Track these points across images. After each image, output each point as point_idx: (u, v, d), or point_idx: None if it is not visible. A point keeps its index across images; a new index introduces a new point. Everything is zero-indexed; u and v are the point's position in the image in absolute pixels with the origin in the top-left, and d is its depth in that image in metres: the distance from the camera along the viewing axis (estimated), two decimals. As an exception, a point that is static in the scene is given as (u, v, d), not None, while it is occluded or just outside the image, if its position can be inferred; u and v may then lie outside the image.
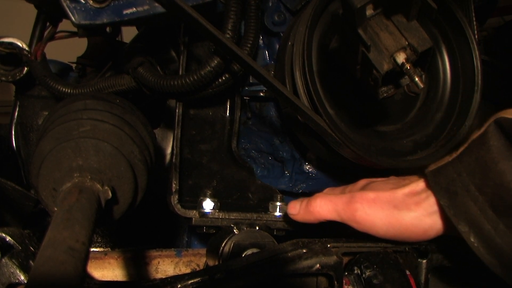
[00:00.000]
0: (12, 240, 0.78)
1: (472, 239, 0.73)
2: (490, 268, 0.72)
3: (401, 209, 0.81)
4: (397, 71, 0.91)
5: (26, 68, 1.28)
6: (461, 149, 0.77)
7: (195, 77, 1.00)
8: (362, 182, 0.95)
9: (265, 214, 1.13)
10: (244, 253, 0.97)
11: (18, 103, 1.40)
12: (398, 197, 0.82)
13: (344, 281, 0.84)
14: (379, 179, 0.95)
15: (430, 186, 0.79)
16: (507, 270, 0.72)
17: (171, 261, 1.16)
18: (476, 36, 1.11)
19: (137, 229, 1.42)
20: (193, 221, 1.06)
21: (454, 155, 0.78)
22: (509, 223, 0.70)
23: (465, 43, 1.09)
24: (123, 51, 1.19)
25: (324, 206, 0.90)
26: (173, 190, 1.07)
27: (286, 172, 1.27)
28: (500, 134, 0.72)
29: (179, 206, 1.07)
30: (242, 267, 0.79)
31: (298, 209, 0.95)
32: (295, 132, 1.17)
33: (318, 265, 0.80)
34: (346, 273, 0.87)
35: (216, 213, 1.08)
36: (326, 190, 1.04)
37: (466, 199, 0.73)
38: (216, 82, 1.05)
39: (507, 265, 0.71)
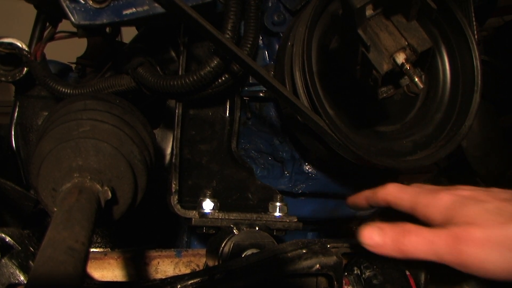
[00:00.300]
0: (12, 241, 0.78)
1: None
2: None
3: None
4: (397, 71, 0.91)
5: (25, 69, 1.28)
6: None
7: (195, 78, 1.00)
8: (447, 198, 0.80)
9: (265, 214, 1.13)
10: (244, 254, 0.97)
11: (17, 103, 1.40)
12: None
13: (344, 282, 0.84)
14: (465, 192, 0.81)
15: None
16: None
17: (171, 262, 1.16)
18: (476, 36, 1.11)
19: (137, 230, 1.42)
20: (193, 221, 1.06)
21: None
22: None
23: (464, 43, 1.09)
24: (123, 51, 1.19)
25: (419, 246, 0.75)
26: (173, 190, 1.07)
27: (286, 173, 1.27)
28: None
29: (179, 206, 1.07)
30: (242, 267, 0.79)
31: (378, 242, 0.78)
32: (295, 132, 1.17)
33: (318, 265, 0.80)
34: (346, 273, 0.87)
35: (216, 214, 1.08)
36: (392, 190, 0.88)
37: None
38: (216, 83, 1.05)
39: None
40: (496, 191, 0.80)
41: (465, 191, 0.81)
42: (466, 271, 0.74)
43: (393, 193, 0.88)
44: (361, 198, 0.96)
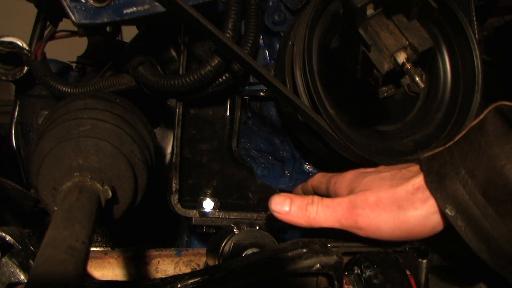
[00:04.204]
0: (12, 240, 0.78)
1: (459, 223, 0.71)
2: (476, 254, 0.70)
3: (406, 208, 0.76)
4: (398, 71, 0.91)
5: (26, 68, 1.28)
6: (459, 136, 0.75)
7: (196, 77, 1.00)
8: (351, 174, 0.89)
9: (265, 213, 1.13)
10: (244, 253, 0.97)
11: (18, 103, 1.40)
12: (401, 196, 0.77)
13: (344, 281, 0.84)
14: (369, 169, 0.89)
15: (422, 170, 0.76)
16: (495, 255, 0.70)
17: (171, 261, 1.16)
18: (477, 36, 1.11)
19: (137, 229, 1.42)
20: (193, 220, 1.06)
21: (451, 142, 0.75)
22: (499, 208, 0.68)
23: (465, 43, 1.09)
24: (123, 50, 1.19)
25: (321, 213, 0.83)
26: (173, 189, 1.07)
27: (286, 172, 1.27)
28: (498, 120, 0.70)
29: (179, 205, 1.07)
30: (242, 266, 0.79)
31: (285, 210, 0.86)
32: (296, 131, 1.17)
33: (318, 264, 0.80)
34: (346, 273, 0.87)
35: (216, 213, 1.08)
36: (316, 177, 1.00)
37: (454, 182, 0.71)
38: (217, 82, 1.05)
39: (495, 250, 0.70)
40: (397, 165, 0.87)
41: (369, 168, 0.90)
42: (363, 234, 0.81)
43: (316, 178, 1.00)
44: (297, 190, 1.09)
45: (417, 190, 0.76)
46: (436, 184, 0.73)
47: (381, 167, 0.89)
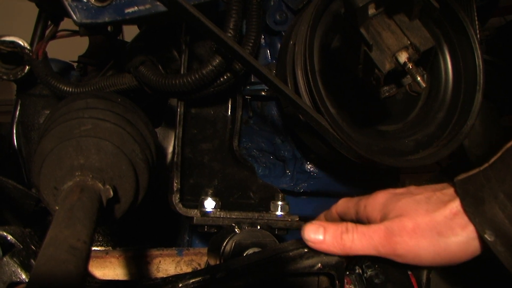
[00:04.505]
0: (13, 239, 0.78)
1: (499, 248, 0.69)
2: None
3: (446, 235, 0.74)
4: (399, 71, 0.91)
5: (27, 67, 1.28)
6: (494, 158, 0.73)
7: (197, 76, 1.00)
8: (382, 197, 0.85)
9: (267, 213, 1.13)
10: (246, 253, 0.97)
11: (19, 102, 1.40)
12: (440, 221, 0.74)
13: (345, 281, 0.84)
14: (399, 190, 0.85)
15: (457, 193, 0.74)
16: None
17: (172, 260, 1.16)
18: (478, 36, 1.11)
19: (139, 228, 1.42)
20: (194, 220, 1.06)
21: (486, 164, 0.73)
22: None
23: (467, 43, 1.09)
24: (125, 50, 1.19)
25: (357, 241, 0.79)
26: (175, 189, 1.07)
27: (288, 172, 1.27)
28: None
29: (180, 205, 1.07)
30: (243, 266, 0.79)
31: (319, 239, 0.81)
32: (297, 131, 1.17)
33: (319, 264, 0.80)
34: (348, 273, 0.87)
35: (218, 212, 1.08)
36: (341, 202, 0.96)
37: (493, 207, 0.69)
38: (218, 81, 1.05)
39: None
40: (429, 185, 0.83)
41: (400, 189, 0.85)
42: (402, 261, 0.78)
43: (341, 204, 0.95)
44: (320, 218, 1.02)
45: (455, 215, 0.74)
46: (474, 209, 0.71)
47: (412, 188, 0.85)
